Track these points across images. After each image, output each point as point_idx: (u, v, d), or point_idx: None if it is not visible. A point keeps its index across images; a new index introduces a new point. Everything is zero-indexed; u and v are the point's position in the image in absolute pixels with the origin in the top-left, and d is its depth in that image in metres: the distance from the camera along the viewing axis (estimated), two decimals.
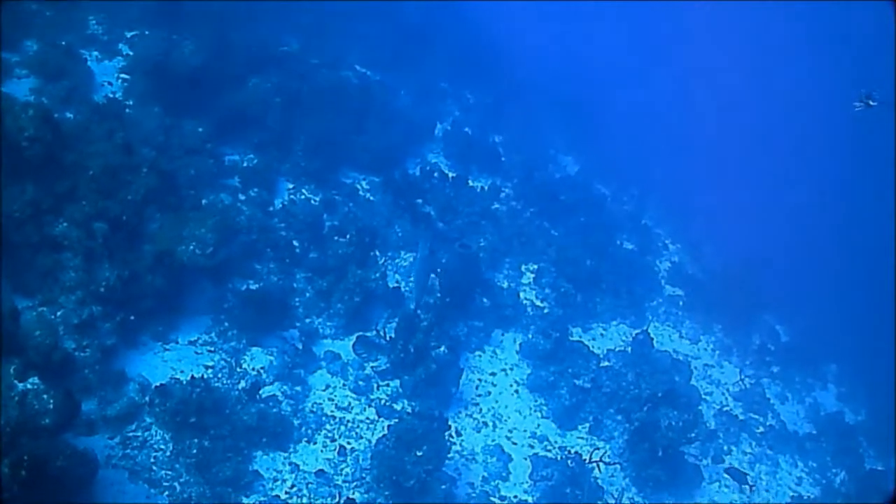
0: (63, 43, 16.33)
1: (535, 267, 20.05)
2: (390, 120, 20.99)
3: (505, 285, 19.01)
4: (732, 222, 28.30)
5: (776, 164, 39.36)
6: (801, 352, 22.55)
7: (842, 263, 29.51)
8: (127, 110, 15.95)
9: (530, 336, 17.57)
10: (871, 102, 10.55)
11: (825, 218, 33.79)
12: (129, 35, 18.12)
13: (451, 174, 21.22)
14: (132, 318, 12.25)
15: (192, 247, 13.05)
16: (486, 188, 21.90)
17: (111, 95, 16.21)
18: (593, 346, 17.93)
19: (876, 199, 36.19)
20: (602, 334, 19.30)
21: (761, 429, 18.96)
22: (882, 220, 33.18)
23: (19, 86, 15.04)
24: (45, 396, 9.21)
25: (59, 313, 11.46)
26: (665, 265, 23.98)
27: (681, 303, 22.12)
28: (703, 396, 18.70)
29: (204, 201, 15.02)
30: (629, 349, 18.45)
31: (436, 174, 20.58)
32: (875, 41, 40.92)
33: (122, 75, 17.01)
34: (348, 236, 16.48)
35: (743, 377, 20.55)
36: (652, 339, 18.62)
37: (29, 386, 9.26)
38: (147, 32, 18.00)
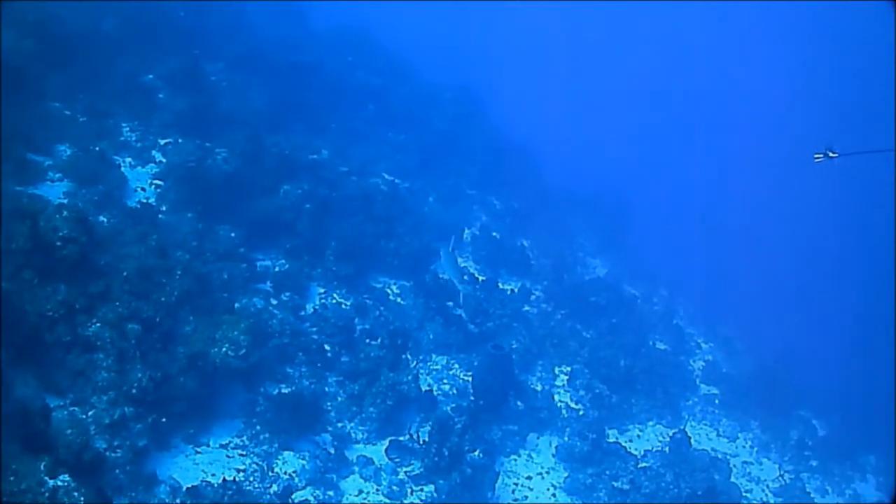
0: (97, 148, 16.74)
1: (569, 369, 19.83)
2: (419, 225, 21.21)
3: (538, 388, 18.76)
4: (764, 318, 28.18)
5: (807, 252, 39.39)
6: (838, 444, 22.17)
7: (875, 353, 29.08)
8: (160, 216, 16.27)
9: (566, 438, 17.23)
10: (832, 154, 10.42)
11: (857, 307, 33.53)
12: (162, 142, 18.64)
13: (480, 277, 21.28)
14: (164, 419, 12.15)
15: (224, 349, 13.05)
16: (516, 291, 21.93)
17: (144, 201, 16.54)
18: (630, 447, 17.60)
19: None
20: (639, 435, 18.90)
21: None
22: None
23: (53, 189, 15.39)
24: (75, 493, 9.04)
25: (90, 413, 11.39)
26: (699, 364, 23.76)
27: (716, 401, 21.85)
28: (744, 493, 18.21)
29: (237, 305, 15.11)
30: (667, 449, 18.05)
31: (466, 277, 20.61)
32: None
33: (156, 181, 17.37)
34: (380, 339, 16.46)
35: (782, 473, 20.18)
36: (689, 437, 18.23)
37: (59, 483, 9.11)
38: (180, 140, 18.51)
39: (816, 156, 10.51)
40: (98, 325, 11.99)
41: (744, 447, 20.66)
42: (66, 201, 14.37)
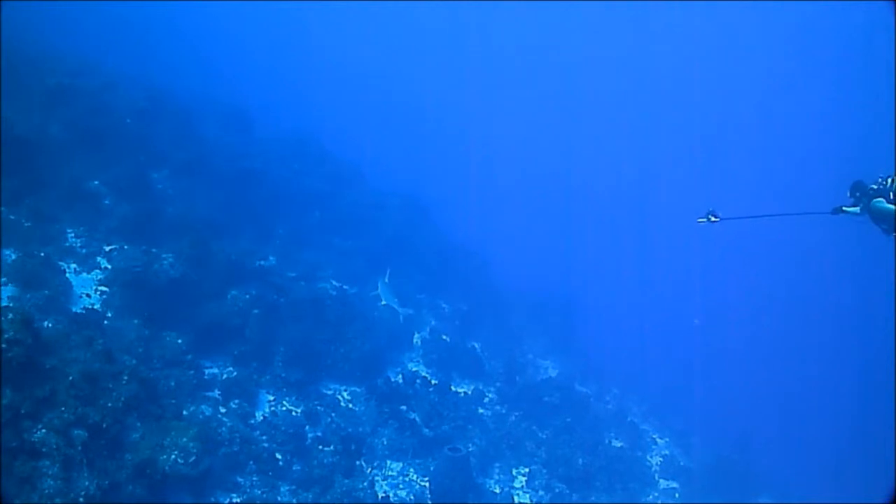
0: (42, 254, 16.39)
1: (527, 469, 19.53)
2: (369, 330, 20.92)
3: (497, 490, 18.37)
4: (717, 409, 28.39)
5: (755, 335, 39.86)
6: None
7: (834, 428, 29.39)
8: (105, 322, 15.81)
9: None
10: (714, 218, 10.88)
11: (806, 386, 33.92)
12: (107, 248, 18.33)
13: (433, 380, 21.01)
14: None
15: (173, 456, 12.52)
16: (469, 393, 21.74)
17: (90, 307, 16.13)
18: None
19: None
20: None
21: None
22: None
23: None
24: None
25: None
26: (656, 459, 23.64)
27: (676, 494, 21.72)
28: None
29: (185, 412, 14.60)
30: None
31: (418, 381, 20.36)
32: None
33: (101, 287, 16.97)
34: (333, 446, 16.09)
35: None
36: None
37: None
38: (126, 246, 18.25)
39: (699, 220, 10.99)
40: (44, 430, 11.41)
41: None
42: (11, 305, 13.91)
